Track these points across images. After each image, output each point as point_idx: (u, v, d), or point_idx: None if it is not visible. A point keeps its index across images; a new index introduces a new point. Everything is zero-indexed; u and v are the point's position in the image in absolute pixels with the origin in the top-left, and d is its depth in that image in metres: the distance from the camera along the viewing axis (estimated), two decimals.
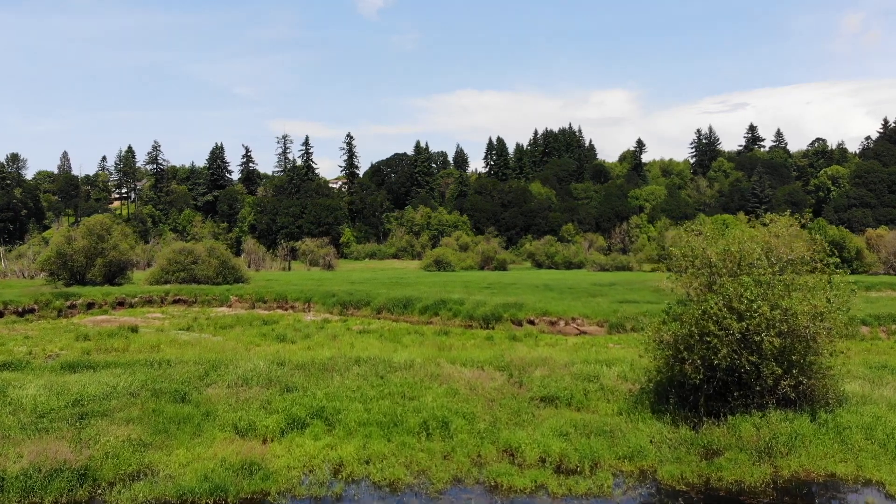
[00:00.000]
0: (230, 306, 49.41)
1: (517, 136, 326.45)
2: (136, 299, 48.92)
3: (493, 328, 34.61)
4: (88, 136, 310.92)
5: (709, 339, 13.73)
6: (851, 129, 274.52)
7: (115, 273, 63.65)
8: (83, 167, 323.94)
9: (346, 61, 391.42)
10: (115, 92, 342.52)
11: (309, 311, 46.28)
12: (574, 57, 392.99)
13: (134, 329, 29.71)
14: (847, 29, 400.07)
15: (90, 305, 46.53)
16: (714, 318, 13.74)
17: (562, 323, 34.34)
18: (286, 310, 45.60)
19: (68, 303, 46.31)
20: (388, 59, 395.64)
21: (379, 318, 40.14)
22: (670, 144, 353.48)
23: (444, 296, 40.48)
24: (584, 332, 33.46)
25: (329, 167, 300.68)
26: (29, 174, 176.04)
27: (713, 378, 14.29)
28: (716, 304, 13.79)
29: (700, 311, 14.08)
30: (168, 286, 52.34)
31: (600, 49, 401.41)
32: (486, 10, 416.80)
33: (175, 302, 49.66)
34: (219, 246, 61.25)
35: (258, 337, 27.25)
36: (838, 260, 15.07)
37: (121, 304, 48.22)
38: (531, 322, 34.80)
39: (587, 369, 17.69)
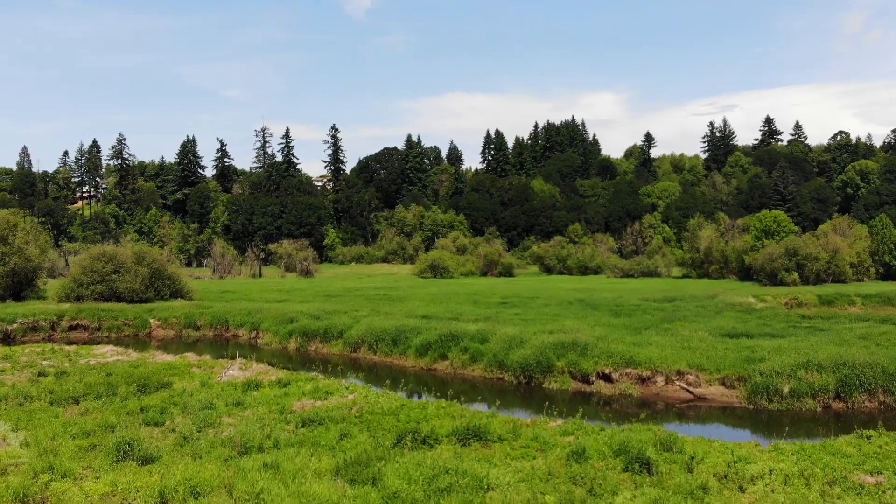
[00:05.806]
0: (149, 334, 35.26)
1: (510, 138, 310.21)
2: (16, 325, 34.74)
3: (544, 388, 20.75)
4: (76, 137, 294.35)
5: None
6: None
7: (22, 285, 49.27)
8: (44, 163, 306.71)
9: (334, 63, 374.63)
10: (101, 94, 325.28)
11: (256, 341, 32.25)
12: (564, 59, 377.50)
13: None
14: (846, 30, 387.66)
15: None
16: None
17: (660, 380, 20.41)
18: (218, 344, 31.27)
19: None
20: (377, 61, 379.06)
21: (355, 359, 26.17)
22: (663, 146, 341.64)
23: (454, 327, 26.43)
24: (703, 398, 19.59)
25: (317, 169, 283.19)
26: None
27: None
28: None
29: None
30: (65, 306, 37.89)
31: (590, 51, 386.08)
32: (475, 12, 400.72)
33: (73, 328, 35.46)
34: (151, 251, 46.86)
35: (94, 438, 13.23)
36: None
37: None
38: (605, 377, 20.87)
39: None
